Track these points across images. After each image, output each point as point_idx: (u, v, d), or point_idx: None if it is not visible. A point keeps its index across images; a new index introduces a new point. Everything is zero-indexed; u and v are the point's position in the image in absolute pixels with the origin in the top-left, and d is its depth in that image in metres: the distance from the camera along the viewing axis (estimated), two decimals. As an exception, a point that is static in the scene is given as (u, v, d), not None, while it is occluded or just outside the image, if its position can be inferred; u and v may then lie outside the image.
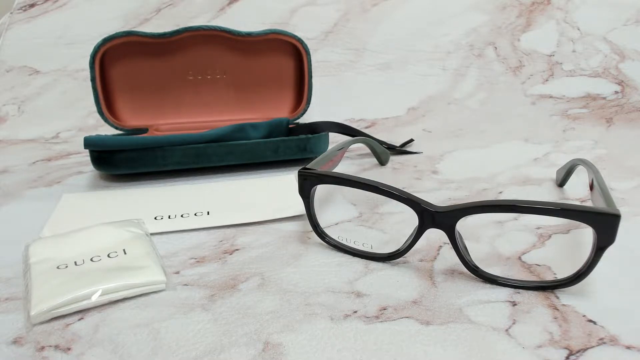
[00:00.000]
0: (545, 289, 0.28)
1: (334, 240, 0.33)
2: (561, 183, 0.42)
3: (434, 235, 0.34)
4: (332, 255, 0.33)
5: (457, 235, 0.29)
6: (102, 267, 0.30)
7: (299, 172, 0.33)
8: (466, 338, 0.25)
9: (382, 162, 0.48)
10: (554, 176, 0.45)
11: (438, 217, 0.29)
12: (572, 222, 0.36)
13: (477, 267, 0.29)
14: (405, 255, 0.32)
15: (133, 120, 0.53)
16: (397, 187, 0.30)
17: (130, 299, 0.28)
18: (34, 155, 0.53)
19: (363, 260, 0.32)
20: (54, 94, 0.63)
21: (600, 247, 0.26)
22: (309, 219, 0.34)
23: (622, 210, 0.38)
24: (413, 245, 0.30)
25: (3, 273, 0.31)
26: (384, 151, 0.48)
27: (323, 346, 0.25)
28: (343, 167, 0.48)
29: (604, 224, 0.26)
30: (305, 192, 0.33)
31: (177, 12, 0.68)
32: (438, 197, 0.40)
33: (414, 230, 0.30)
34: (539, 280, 0.29)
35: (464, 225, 0.36)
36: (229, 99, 0.56)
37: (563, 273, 0.30)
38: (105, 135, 0.45)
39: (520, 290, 0.28)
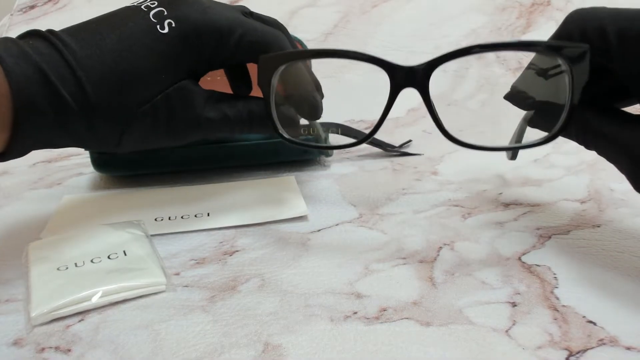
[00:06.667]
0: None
1: (300, 141, 0.34)
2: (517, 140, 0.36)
3: (434, 237, 0.34)
4: (332, 256, 0.33)
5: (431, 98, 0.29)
6: (102, 269, 0.30)
7: (260, 58, 0.32)
8: (466, 339, 0.25)
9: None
10: (554, 177, 0.45)
11: (411, 74, 0.29)
12: (572, 222, 0.36)
13: (451, 134, 0.30)
14: (405, 257, 0.32)
15: (133, 121, 0.53)
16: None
17: (130, 300, 0.28)
18: (34, 157, 0.53)
19: (363, 261, 0.32)
20: (54, 96, 0.63)
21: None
22: (268, 117, 0.33)
23: (622, 211, 0.37)
24: (388, 112, 0.30)
25: (3, 274, 0.31)
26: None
27: (323, 347, 0.25)
28: (342, 168, 0.48)
29: (575, 57, 0.27)
30: (266, 81, 0.32)
31: (177, 13, 0.68)
32: (438, 199, 0.40)
33: (388, 95, 0.30)
34: None
35: (463, 226, 0.36)
36: (229, 101, 0.56)
37: (563, 274, 0.30)
38: (106, 136, 0.45)
39: (521, 292, 0.28)
